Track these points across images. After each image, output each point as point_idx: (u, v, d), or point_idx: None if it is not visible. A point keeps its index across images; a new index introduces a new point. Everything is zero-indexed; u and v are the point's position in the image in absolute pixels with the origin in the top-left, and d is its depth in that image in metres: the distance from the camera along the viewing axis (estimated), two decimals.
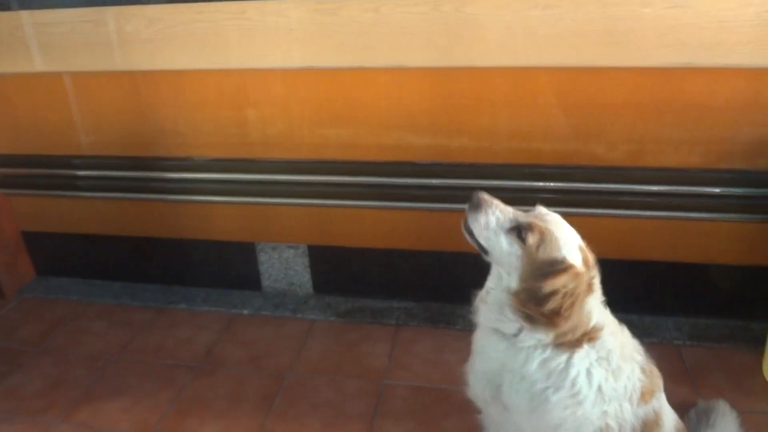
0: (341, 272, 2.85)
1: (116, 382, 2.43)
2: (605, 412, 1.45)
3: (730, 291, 2.52)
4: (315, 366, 2.47)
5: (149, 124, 2.65)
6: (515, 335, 1.45)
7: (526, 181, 2.40)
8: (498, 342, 1.49)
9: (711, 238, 2.40)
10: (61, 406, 2.31)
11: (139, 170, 2.76)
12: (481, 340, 1.56)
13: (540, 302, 1.36)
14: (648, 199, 2.38)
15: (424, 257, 2.70)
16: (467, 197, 1.51)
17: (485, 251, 1.46)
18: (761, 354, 2.31)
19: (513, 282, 1.43)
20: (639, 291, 2.57)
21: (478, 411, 1.72)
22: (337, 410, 2.24)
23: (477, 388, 1.59)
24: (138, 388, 2.39)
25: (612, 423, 1.46)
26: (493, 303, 1.49)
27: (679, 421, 1.68)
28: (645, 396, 1.52)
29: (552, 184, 2.39)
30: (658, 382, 1.58)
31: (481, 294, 1.56)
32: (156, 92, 2.59)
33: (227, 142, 2.62)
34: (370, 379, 2.38)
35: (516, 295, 1.41)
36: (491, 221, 1.43)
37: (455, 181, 2.48)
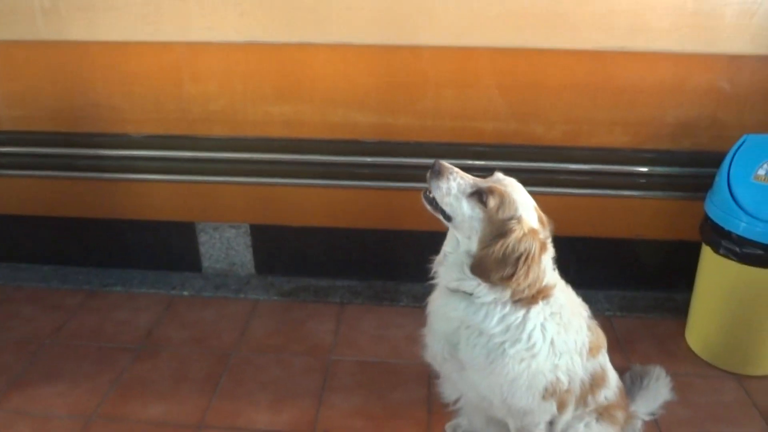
0: (284, 252, 2.84)
1: (50, 366, 2.33)
2: (557, 366, 1.54)
3: (656, 264, 2.70)
4: (260, 345, 2.46)
5: (81, 98, 2.54)
6: (474, 293, 1.50)
7: (468, 160, 2.46)
8: (457, 302, 1.54)
9: (638, 215, 2.56)
10: None
11: (70, 147, 2.65)
12: (439, 300, 1.61)
13: (499, 263, 1.41)
14: (581, 177, 2.50)
15: (367, 236, 2.73)
16: (425, 170, 1.53)
17: (448, 217, 1.51)
18: (684, 322, 2.49)
19: (473, 245, 1.48)
20: (572, 265, 2.67)
21: (436, 376, 1.77)
22: (286, 387, 2.24)
23: (435, 347, 1.63)
24: (75, 372, 2.30)
25: (562, 377, 1.55)
26: (452, 264, 1.53)
27: (619, 380, 1.79)
28: (593, 350, 1.62)
29: (494, 162, 2.43)
30: (603, 338, 1.68)
31: (438, 258, 1.60)
32: (89, 65, 2.48)
33: (166, 118, 2.54)
34: (317, 355, 2.39)
35: (476, 260, 1.46)
36: (453, 187, 1.47)
37: (400, 159, 2.52)
